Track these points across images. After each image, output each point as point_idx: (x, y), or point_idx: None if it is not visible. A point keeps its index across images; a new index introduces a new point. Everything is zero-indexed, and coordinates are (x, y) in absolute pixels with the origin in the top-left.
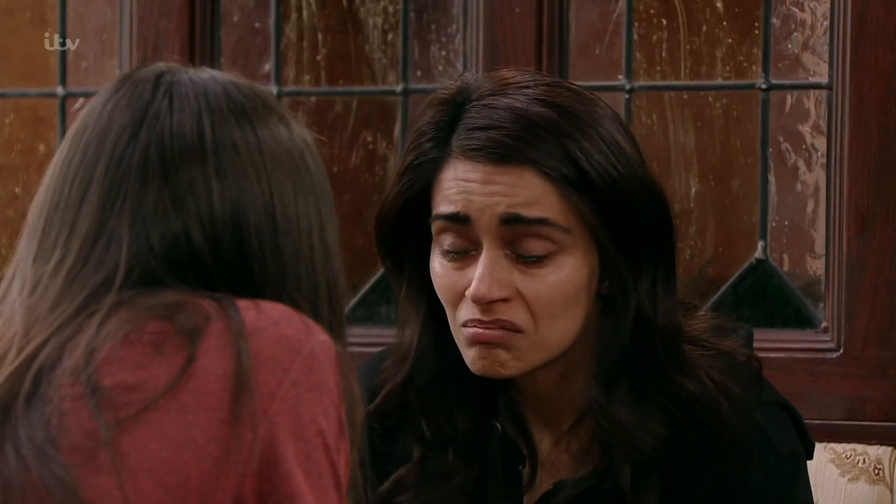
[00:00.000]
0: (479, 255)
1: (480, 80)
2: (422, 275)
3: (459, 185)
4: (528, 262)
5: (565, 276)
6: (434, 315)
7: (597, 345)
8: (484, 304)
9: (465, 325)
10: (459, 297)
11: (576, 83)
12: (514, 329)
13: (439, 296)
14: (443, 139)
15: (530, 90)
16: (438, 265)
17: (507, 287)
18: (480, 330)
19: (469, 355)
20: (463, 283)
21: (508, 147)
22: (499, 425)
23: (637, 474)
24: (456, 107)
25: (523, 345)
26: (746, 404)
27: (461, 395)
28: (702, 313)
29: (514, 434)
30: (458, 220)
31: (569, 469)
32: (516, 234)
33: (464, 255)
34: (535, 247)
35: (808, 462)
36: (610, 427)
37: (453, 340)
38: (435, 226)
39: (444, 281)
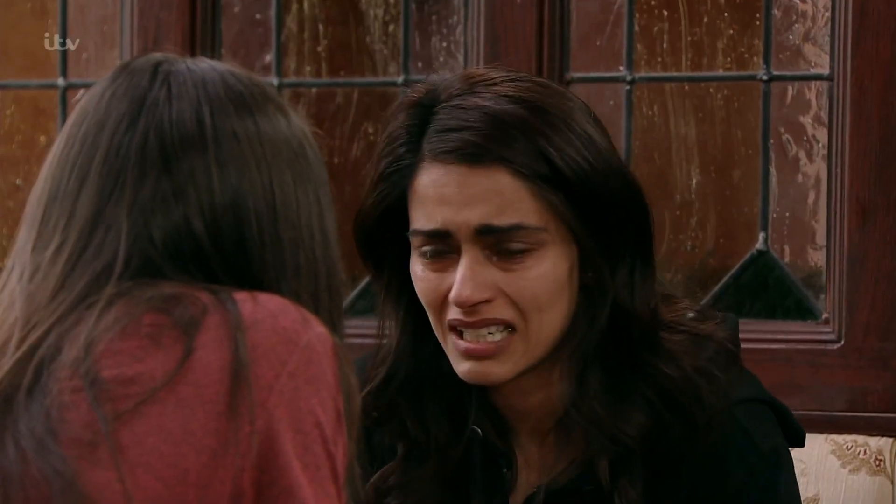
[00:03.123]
0: (458, 257)
1: (448, 80)
2: (401, 277)
3: (435, 192)
4: (508, 258)
5: (545, 269)
6: (413, 317)
7: (572, 337)
8: (467, 307)
9: (451, 328)
10: (441, 300)
11: (577, 74)
12: (504, 324)
13: (421, 300)
14: (415, 143)
15: (498, 87)
16: (420, 270)
17: (489, 287)
18: (472, 345)
19: (459, 367)
20: (444, 285)
21: (480, 147)
22: (479, 430)
23: (618, 467)
24: (425, 109)
25: (516, 347)
26: (725, 384)
27: (437, 398)
28: (681, 302)
29: (494, 437)
30: (439, 235)
31: (554, 468)
32: (493, 240)
33: (443, 258)
34: (513, 246)
35: (807, 450)
36: (586, 421)
37: (431, 343)
38: (415, 238)
39: (426, 284)
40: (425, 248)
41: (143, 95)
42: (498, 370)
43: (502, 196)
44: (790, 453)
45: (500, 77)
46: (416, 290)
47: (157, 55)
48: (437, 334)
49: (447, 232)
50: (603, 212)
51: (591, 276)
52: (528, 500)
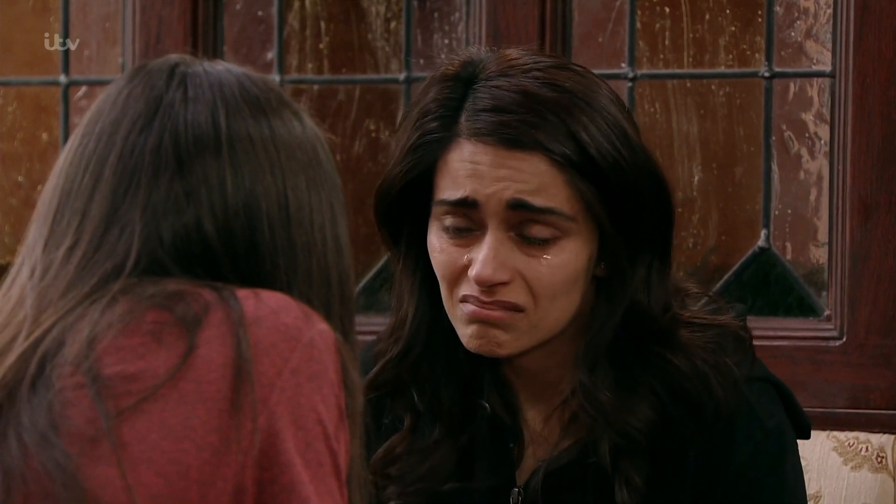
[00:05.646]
0: (481, 235)
1: (485, 57)
2: (418, 249)
3: (468, 167)
4: (532, 244)
5: (566, 259)
6: (428, 290)
7: (589, 327)
8: (486, 286)
9: (463, 300)
10: (458, 274)
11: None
12: (515, 309)
13: (437, 272)
14: (450, 118)
15: (538, 73)
16: (438, 241)
17: (510, 269)
18: (479, 309)
19: (465, 333)
20: (463, 260)
21: (518, 131)
22: (487, 405)
23: (623, 452)
24: (462, 84)
25: (522, 325)
26: (737, 376)
27: (450, 371)
28: (696, 293)
29: (503, 412)
30: (466, 205)
31: (559, 444)
32: (521, 219)
33: (465, 234)
34: (540, 232)
35: (809, 447)
36: (593, 410)
37: (446, 317)
38: (440, 208)
39: (444, 257)
40: (448, 222)
41: (159, 96)
42: (502, 338)
43: (539, 178)
44: (794, 435)
45: (538, 61)
46: (433, 261)
47: (175, 57)
48: (446, 306)
49: (474, 202)
50: (631, 204)
51: (605, 267)
52: (533, 474)
